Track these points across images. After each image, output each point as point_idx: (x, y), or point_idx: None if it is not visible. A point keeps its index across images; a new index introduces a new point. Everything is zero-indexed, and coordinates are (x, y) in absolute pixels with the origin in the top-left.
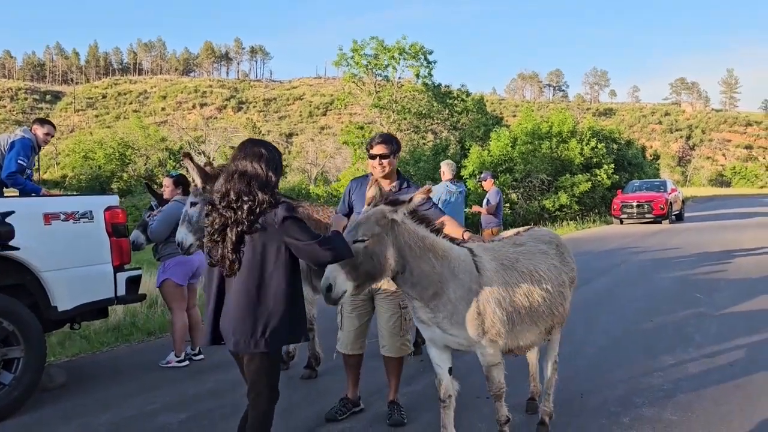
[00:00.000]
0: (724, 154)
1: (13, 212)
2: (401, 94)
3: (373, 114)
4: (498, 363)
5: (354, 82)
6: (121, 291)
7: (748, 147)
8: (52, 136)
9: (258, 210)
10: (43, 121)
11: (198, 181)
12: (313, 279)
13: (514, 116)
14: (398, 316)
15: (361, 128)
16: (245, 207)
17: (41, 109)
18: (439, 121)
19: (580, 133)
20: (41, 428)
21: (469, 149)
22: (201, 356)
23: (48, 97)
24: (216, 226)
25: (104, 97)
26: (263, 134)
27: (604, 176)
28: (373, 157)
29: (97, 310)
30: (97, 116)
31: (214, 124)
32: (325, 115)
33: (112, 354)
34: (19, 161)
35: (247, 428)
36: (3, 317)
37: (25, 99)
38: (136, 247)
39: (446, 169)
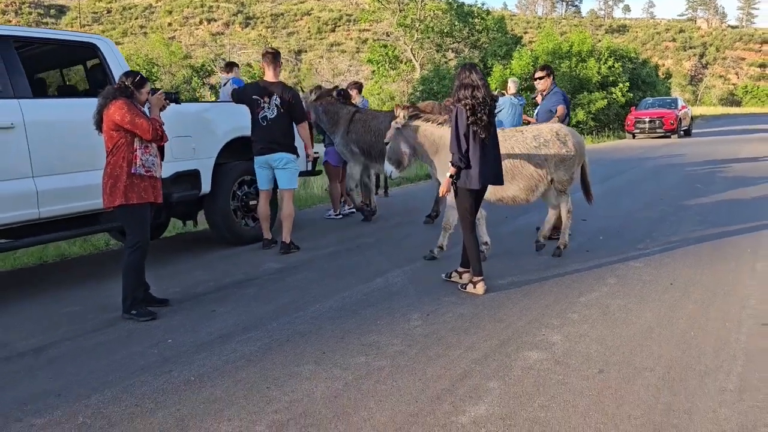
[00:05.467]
0: (737, 73)
1: None
2: (425, 13)
3: (398, 32)
4: (453, 207)
5: (379, 0)
6: (309, 167)
7: (762, 65)
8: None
9: None
10: (233, 64)
11: (311, 96)
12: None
13: (526, 33)
14: None
15: (385, 47)
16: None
17: (46, 23)
18: (460, 40)
19: (598, 53)
20: (251, 253)
21: (491, 68)
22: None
23: (52, 11)
24: (486, 116)
25: (109, 12)
26: None
27: (619, 94)
28: (534, 79)
29: None
30: (103, 32)
31: (222, 40)
32: (333, 31)
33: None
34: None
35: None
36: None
37: (30, 13)
38: None
39: (512, 85)
